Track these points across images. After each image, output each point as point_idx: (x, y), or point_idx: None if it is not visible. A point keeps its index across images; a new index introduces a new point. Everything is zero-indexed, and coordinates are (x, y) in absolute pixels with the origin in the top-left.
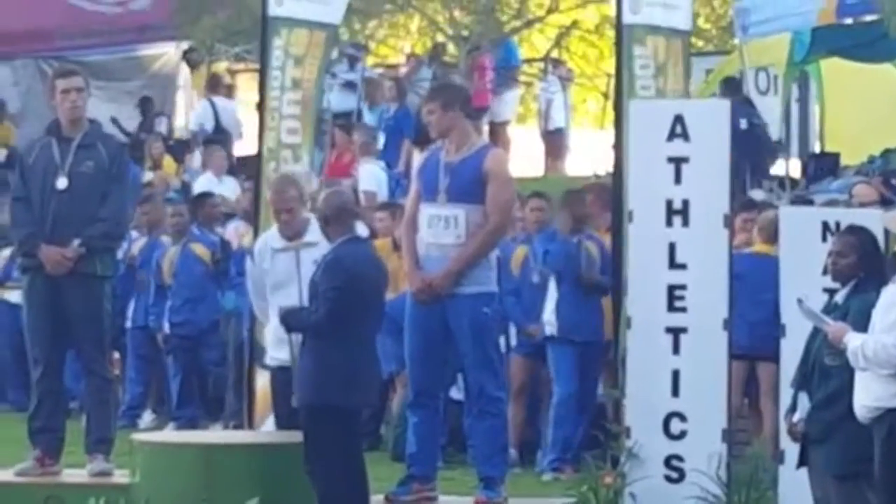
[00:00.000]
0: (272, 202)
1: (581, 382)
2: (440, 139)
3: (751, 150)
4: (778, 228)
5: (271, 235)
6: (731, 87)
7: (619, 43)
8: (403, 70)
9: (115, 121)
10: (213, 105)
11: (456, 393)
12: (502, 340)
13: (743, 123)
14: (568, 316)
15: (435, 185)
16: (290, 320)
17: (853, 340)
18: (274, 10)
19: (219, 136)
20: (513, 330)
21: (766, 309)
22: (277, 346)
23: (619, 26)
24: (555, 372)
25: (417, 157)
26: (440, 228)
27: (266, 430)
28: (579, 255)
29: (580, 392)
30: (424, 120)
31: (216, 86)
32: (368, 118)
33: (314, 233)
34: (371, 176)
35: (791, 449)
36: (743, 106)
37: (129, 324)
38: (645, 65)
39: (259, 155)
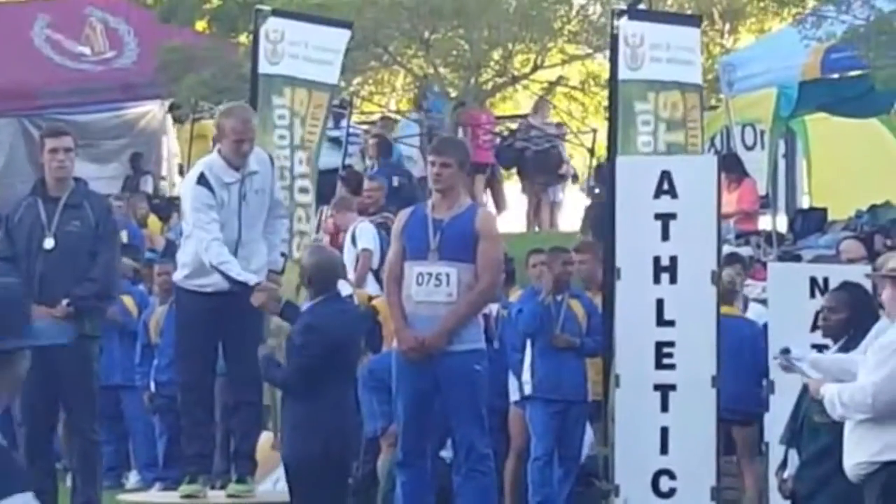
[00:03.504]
0: (237, 131)
1: (562, 441)
2: (440, 193)
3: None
4: (731, 289)
5: (219, 168)
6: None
7: (613, 99)
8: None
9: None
10: None
11: (444, 452)
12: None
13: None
14: (543, 375)
15: (424, 243)
16: (264, 370)
17: (829, 389)
18: (266, 68)
19: None
20: (514, 384)
21: (738, 371)
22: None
23: (613, 83)
24: (532, 431)
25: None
26: (431, 286)
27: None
28: (557, 316)
29: (561, 451)
30: (431, 170)
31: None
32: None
33: (255, 162)
34: (369, 234)
35: None
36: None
37: None
38: (646, 121)
39: None
